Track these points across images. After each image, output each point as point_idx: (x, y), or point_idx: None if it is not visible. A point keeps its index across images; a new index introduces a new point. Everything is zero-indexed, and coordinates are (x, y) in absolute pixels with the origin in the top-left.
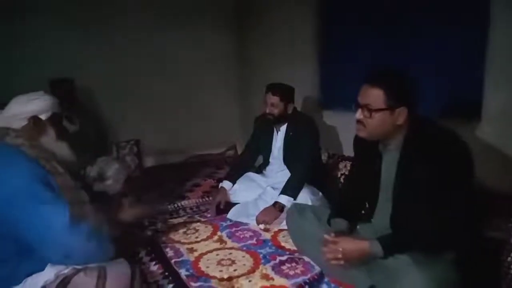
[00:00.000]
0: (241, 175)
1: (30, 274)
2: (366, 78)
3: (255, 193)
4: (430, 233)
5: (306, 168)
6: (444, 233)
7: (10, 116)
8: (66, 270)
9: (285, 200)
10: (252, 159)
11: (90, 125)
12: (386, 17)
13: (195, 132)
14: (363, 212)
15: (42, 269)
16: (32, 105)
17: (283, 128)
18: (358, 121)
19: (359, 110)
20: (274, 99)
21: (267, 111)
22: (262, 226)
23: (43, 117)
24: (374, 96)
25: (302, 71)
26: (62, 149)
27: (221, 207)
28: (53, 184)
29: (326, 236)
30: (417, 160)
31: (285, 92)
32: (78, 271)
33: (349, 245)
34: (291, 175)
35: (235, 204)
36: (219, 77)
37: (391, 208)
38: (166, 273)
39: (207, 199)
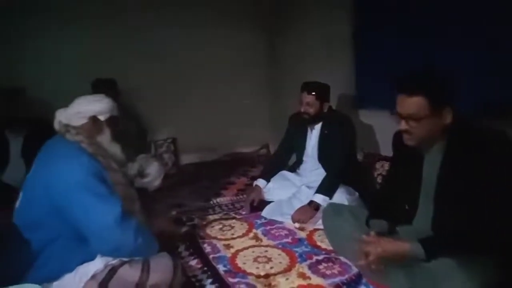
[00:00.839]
0: (275, 173)
1: (81, 263)
2: (399, 87)
3: (289, 191)
4: (474, 235)
5: (341, 167)
6: (489, 236)
7: (72, 114)
8: (113, 261)
9: (321, 199)
10: (286, 158)
11: (131, 124)
12: (426, 16)
13: (229, 131)
14: (402, 213)
15: (92, 259)
16: (93, 105)
17: (318, 126)
18: (404, 131)
19: (403, 122)
20: (310, 98)
21: (303, 110)
22: (297, 225)
23: (101, 118)
24: (416, 105)
25: (337, 70)
26: (116, 150)
27: (255, 204)
28: (108, 180)
29: (365, 236)
30: (461, 161)
31: (321, 91)
32: (124, 262)
33: (390, 246)
34: (326, 174)
35: (269, 202)
36: (252, 77)
37: (433, 210)
38: (205, 268)
39: (241, 196)
